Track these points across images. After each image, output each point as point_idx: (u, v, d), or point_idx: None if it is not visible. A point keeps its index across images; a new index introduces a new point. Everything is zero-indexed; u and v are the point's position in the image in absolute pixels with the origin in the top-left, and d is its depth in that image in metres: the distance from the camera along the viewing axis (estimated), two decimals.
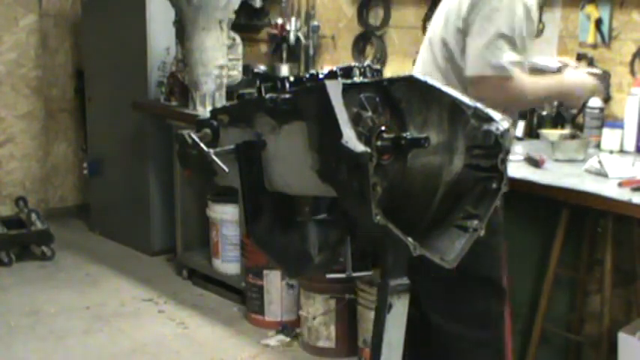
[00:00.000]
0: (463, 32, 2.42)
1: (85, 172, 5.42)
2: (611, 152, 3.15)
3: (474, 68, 2.39)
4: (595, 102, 3.31)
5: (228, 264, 4.33)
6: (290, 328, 3.85)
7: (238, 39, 4.41)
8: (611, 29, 3.35)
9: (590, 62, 3.42)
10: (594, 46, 3.41)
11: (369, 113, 1.64)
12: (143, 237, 4.97)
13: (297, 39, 4.61)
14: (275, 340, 3.81)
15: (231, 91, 4.25)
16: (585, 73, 2.71)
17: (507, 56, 2.37)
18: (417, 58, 2.66)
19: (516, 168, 2.82)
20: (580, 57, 3.45)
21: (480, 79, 2.38)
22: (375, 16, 4.38)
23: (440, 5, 2.57)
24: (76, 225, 5.56)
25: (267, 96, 1.72)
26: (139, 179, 4.95)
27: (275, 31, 4.67)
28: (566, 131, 3.32)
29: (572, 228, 2.96)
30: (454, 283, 2.30)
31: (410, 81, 1.76)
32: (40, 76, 5.51)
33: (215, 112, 1.89)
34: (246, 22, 4.80)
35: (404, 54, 4.21)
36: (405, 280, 1.75)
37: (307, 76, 1.77)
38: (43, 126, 5.57)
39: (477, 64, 2.38)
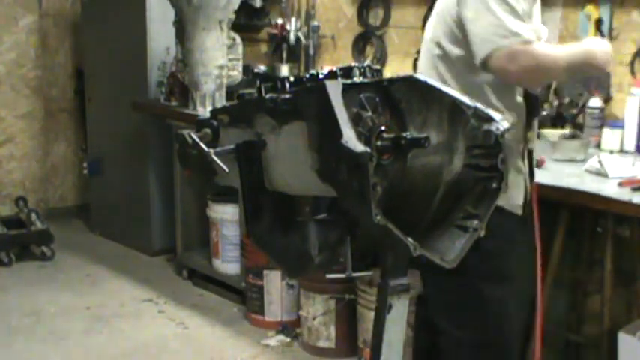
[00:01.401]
0: (459, 27, 2.29)
1: (85, 172, 5.42)
2: (611, 152, 3.15)
3: (485, 48, 2.19)
4: (595, 102, 3.32)
5: (228, 264, 4.33)
6: (290, 328, 3.85)
7: (238, 39, 4.41)
8: (611, 29, 3.35)
9: None
10: None
11: (369, 113, 1.64)
12: (143, 237, 4.97)
13: (297, 39, 4.62)
14: (275, 340, 3.81)
15: (231, 91, 4.25)
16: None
17: (517, 25, 2.19)
18: (418, 59, 2.60)
19: None
20: None
21: (495, 56, 2.18)
22: (375, 16, 4.38)
23: (435, 6, 2.49)
24: (76, 225, 5.56)
25: (267, 96, 1.71)
26: (139, 179, 4.95)
27: (275, 31, 4.67)
28: (566, 131, 3.32)
29: (572, 228, 2.96)
30: (464, 292, 2.31)
31: (410, 81, 1.76)
32: (40, 76, 5.51)
33: (215, 112, 1.89)
34: (246, 22, 4.80)
35: (404, 54, 4.21)
36: (405, 280, 1.75)
37: (307, 76, 1.76)
38: (43, 126, 5.58)
39: (487, 42, 2.19)
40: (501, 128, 1.70)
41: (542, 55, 2.22)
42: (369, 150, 1.52)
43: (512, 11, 2.21)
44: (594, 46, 2.36)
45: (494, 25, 2.21)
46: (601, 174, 2.77)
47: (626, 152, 3.17)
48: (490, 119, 1.71)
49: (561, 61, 2.28)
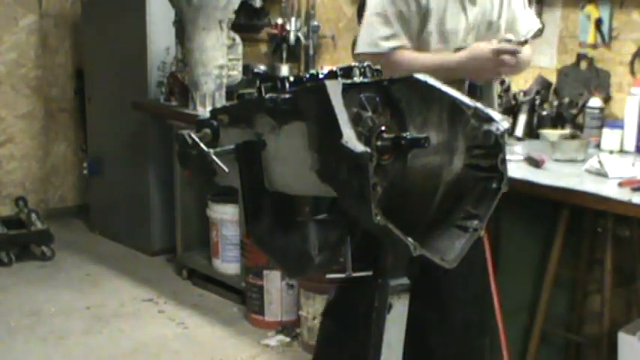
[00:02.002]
0: None
1: (85, 172, 5.42)
2: (611, 152, 3.15)
3: (357, 47, 2.51)
4: (595, 102, 3.32)
5: (228, 264, 4.33)
6: (290, 328, 3.85)
7: (238, 39, 4.41)
8: (611, 29, 3.35)
9: (591, 62, 3.42)
10: (594, 46, 3.41)
11: (369, 113, 1.64)
12: (143, 237, 4.97)
13: (297, 39, 4.61)
14: (275, 340, 3.81)
15: (231, 91, 4.25)
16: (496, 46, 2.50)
17: (380, 32, 2.41)
18: None
19: (516, 168, 2.82)
20: (580, 57, 3.45)
21: (361, 58, 2.40)
22: None
23: None
24: (76, 225, 5.55)
25: (267, 96, 1.72)
26: (139, 179, 4.94)
27: (275, 31, 4.67)
28: (566, 131, 3.32)
29: (572, 228, 2.96)
30: None
31: (410, 81, 1.76)
32: (40, 76, 5.50)
33: (215, 112, 1.89)
34: (246, 22, 4.79)
35: None
36: (405, 280, 1.75)
37: (307, 76, 1.77)
38: (43, 126, 5.57)
39: (358, 43, 2.50)
40: (501, 128, 1.70)
41: (395, 67, 2.37)
42: (369, 150, 1.52)
43: (382, 15, 2.42)
44: (469, 57, 2.46)
45: (363, 28, 2.49)
46: (601, 174, 2.77)
47: (626, 152, 3.17)
48: (490, 119, 1.71)
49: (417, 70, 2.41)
